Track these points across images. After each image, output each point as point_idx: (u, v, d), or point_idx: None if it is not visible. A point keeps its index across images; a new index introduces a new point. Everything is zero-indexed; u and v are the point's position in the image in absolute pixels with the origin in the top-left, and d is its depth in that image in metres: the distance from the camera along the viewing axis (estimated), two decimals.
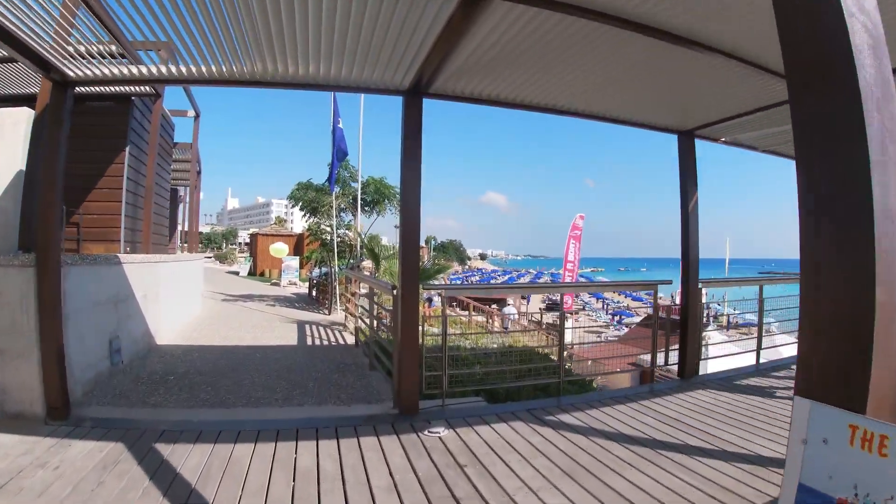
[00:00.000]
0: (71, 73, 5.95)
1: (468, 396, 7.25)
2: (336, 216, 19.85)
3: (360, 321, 10.98)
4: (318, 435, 5.43)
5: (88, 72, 6.01)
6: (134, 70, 6.01)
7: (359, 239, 18.37)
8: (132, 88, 11.34)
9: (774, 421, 6.12)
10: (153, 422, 5.95)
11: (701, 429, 5.87)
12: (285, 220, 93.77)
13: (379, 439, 5.38)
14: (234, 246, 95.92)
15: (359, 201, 19.29)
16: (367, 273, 15.63)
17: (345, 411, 6.77)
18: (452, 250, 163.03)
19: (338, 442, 5.27)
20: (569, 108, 7.08)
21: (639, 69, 5.96)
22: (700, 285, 8.24)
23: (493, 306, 29.39)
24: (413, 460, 4.88)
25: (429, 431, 5.59)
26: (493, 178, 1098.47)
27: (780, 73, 5.86)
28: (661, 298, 8.13)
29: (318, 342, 12.15)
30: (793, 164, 2.27)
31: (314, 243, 22.88)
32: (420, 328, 6.50)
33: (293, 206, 22.88)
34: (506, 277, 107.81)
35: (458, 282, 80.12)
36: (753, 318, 11.94)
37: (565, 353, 17.82)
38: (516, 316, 27.77)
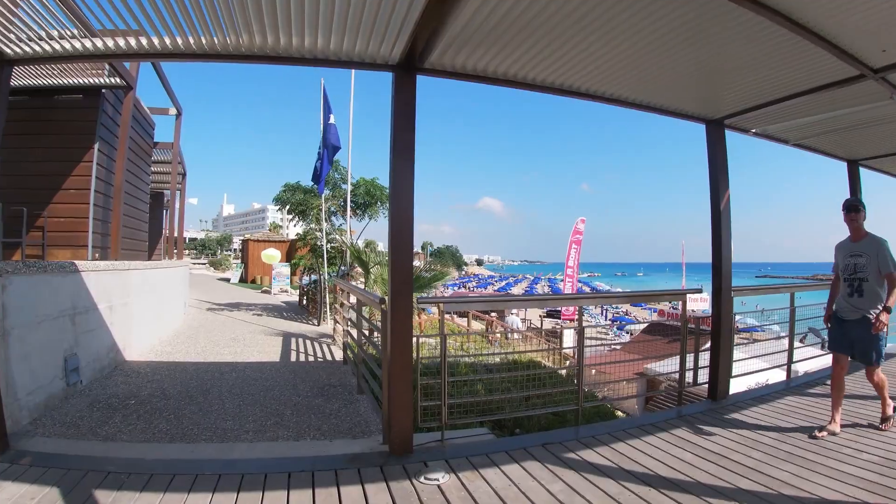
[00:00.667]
0: (9, 51, 5.12)
1: (471, 428, 6.22)
2: (326, 220, 18.84)
3: (348, 336, 9.95)
4: (289, 482, 4.43)
5: (28, 48, 5.15)
6: (79, 45, 5.15)
7: (347, 244, 17.33)
8: (100, 80, 10.52)
9: (829, 452, 5.26)
10: (100, 459, 4.98)
11: (749, 465, 4.93)
12: (281, 227, 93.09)
13: (364, 489, 4.36)
14: (228, 252, 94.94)
15: (349, 204, 18.09)
16: (361, 281, 14.66)
17: (325, 448, 5.75)
18: (449, 256, 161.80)
19: (313, 492, 4.26)
20: (585, 90, 6.13)
21: (667, 43, 5.04)
22: (731, 293, 7.32)
23: (493, 314, 28.60)
24: None
25: (425, 478, 4.56)
26: (489, 183, 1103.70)
27: (842, 47, 5.04)
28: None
29: (302, 358, 11.20)
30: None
31: (303, 249, 21.95)
32: (415, 345, 5.54)
33: (279, 209, 21.95)
34: (503, 283, 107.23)
35: (456, 287, 79.52)
36: (755, 322, 11.07)
37: (568, 362, 17.09)
38: (520, 325, 26.94)
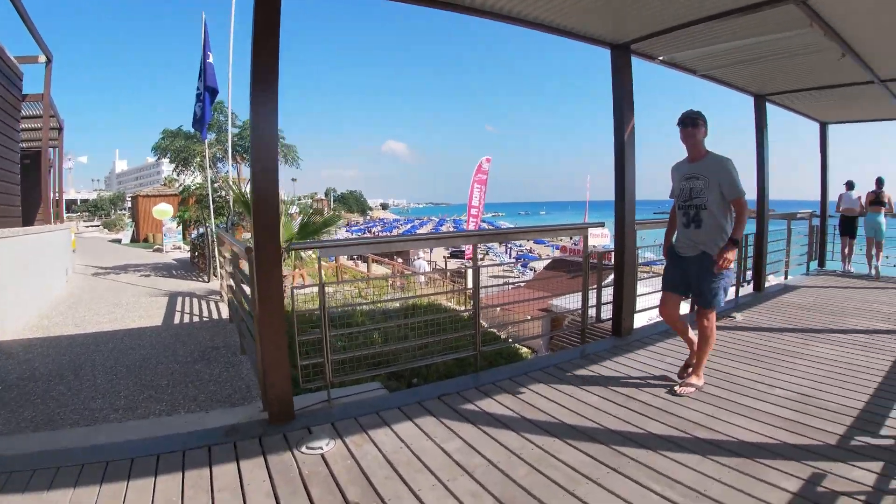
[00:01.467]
0: None
1: (363, 383, 5.67)
2: (211, 167, 17.78)
3: (231, 292, 9.29)
4: (158, 466, 3.80)
5: None
6: None
7: (232, 191, 16.39)
8: None
9: (741, 389, 5.08)
10: None
11: (658, 406, 4.68)
12: (176, 180, 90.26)
13: (239, 466, 3.79)
14: (123, 212, 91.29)
15: (229, 149, 16.97)
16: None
17: (200, 422, 5.09)
18: (353, 201, 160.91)
19: (183, 476, 3.66)
20: (477, 6, 5.50)
21: None
22: (635, 226, 7.02)
23: (398, 260, 28.24)
24: (283, 502, 3.41)
25: (307, 447, 4.02)
26: (393, 126, 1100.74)
27: None
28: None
29: (187, 319, 10.53)
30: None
31: (189, 200, 20.81)
32: (290, 300, 5.02)
33: (158, 158, 20.73)
34: (408, 226, 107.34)
35: (361, 232, 79.36)
36: (653, 256, 11.13)
37: (472, 302, 16.81)
38: (427, 268, 26.50)
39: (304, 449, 4.02)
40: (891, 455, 3.68)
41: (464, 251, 38.17)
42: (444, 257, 43.92)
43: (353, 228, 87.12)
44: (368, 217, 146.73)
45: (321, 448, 4.01)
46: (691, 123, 5.01)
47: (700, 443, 3.95)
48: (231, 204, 15.90)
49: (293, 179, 59.67)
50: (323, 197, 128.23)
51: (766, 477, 3.42)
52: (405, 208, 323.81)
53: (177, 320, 10.44)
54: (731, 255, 4.87)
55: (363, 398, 5.17)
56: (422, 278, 20.41)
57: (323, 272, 18.16)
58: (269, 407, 4.63)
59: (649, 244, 8.84)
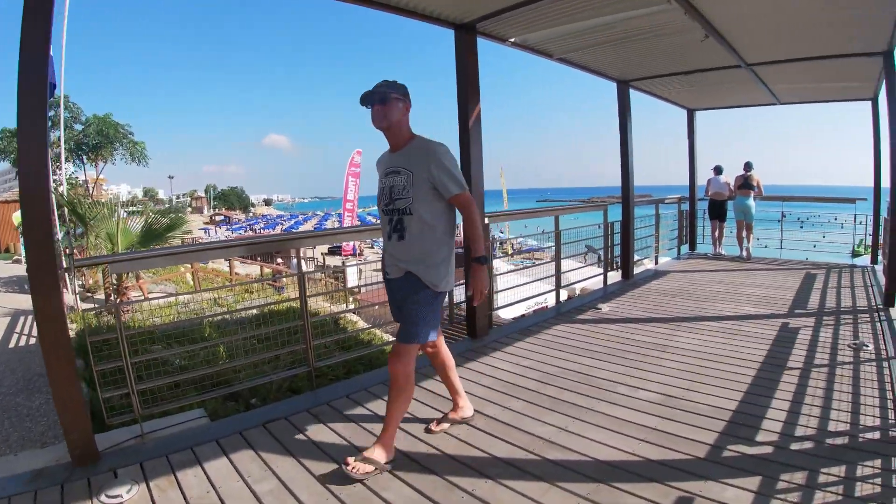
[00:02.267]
0: None
1: (188, 411, 4.93)
2: (56, 169, 16.48)
3: None
4: None
5: None
6: None
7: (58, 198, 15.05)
8: None
9: (600, 393, 4.74)
10: None
11: (505, 422, 4.27)
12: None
13: None
14: None
15: (62, 147, 15.66)
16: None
17: (7, 466, 4.20)
18: (235, 198, 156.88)
19: None
20: None
21: None
22: (486, 220, 6.62)
23: (279, 261, 27.57)
24: None
25: (107, 496, 3.40)
26: (275, 119, 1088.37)
27: None
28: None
29: (24, 341, 9.60)
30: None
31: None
32: (80, 320, 4.41)
33: (3, 159, 19.23)
34: (292, 222, 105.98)
35: (242, 231, 77.87)
36: (535, 243, 11.12)
37: (352, 299, 16.27)
38: (305, 267, 25.81)
39: (103, 497, 3.41)
40: (768, 467, 3.38)
41: (340, 246, 37.60)
42: (322, 254, 43.11)
43: (234, 227, 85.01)
44: (252, 214, 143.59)
45: (121, 496, 3.41)
46: (379, 100, 3.54)
47: (549, 466, 3.56)
48: (66, 213, 14.30)
49: (170, 177, 57.60)
50: (202, 194, 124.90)
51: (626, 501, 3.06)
52: (290, 203, 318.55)
53: (13, 343, 9.57)
54: (483, 279, 3.67)
55: (182, 430, 4.49)
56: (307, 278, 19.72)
57: (191, 278, 17.29)
58: (71, 448, 3.95)
59: (532, 233, 8.67)
